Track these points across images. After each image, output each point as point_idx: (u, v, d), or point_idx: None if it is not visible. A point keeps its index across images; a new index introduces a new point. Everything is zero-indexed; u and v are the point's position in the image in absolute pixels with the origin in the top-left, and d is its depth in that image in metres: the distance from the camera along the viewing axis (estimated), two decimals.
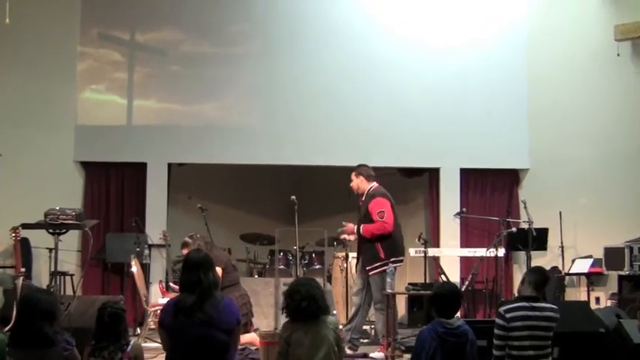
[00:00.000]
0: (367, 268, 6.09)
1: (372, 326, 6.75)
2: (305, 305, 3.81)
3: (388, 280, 5.84)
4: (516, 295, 5.49)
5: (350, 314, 6.33)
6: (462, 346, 3.88)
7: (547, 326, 4.02)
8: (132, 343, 3.87)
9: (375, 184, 6.27)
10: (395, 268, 5.95)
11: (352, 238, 6.36)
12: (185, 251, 6.16)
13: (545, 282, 4.24)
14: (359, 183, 6.25)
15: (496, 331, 4.02)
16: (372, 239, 6.05)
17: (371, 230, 6.03)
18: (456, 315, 4.06)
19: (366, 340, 6.68)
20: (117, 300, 4.18)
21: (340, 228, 6.37)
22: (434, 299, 4.05)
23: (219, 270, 5.93)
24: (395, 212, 6.16)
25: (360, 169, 6.30)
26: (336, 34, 8.47)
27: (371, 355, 6.11)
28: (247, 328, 5.90)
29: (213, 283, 3.67)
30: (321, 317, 3.87)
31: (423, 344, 3.88)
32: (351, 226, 6.24)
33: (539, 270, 4.29)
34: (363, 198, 6.22)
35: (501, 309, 4.08)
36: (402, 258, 6.20)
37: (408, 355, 5.45)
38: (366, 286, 6.18)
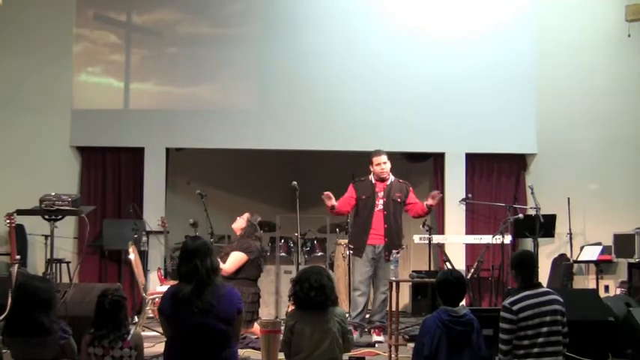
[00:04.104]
0: (394, 251, 6.19)
1: (370, 318, 6.62)
2: (313, 295, 3.80)
3: (392, 267, 6.00)
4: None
5: (361, 304, 6.23)
6: (467, 335, 3.82)
7: (556, 310, 3.92)
8: (132, 331, 3.82)
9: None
10: None
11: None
12: (234, 226, 6.18)
13: (535, 269, 4.18)
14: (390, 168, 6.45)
15: (503, 324, 3.91)
16: (399, 221, 6.37)
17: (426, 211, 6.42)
18: (461, 303, 3.98)
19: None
20: (116, 287, 4.10)
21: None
22: (439, 287, 3.99)
23: (243, 259, 5.83)
24: None
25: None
26: (337, 14, 8.29)
27: (374, 341, 6.11)
28: (249, 326, 5.80)
29: (212, 270, 3.57)
30: (329, 309, 3.84)
31: (428, 333, 3.82)
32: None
33: (523, 261, 4.12)
34: (388, 183, 6.37)
35: (506, 302, 3.97)
36: None
37: (411, 344, 5.34)
38: (373, 274, 6.29)
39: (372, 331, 6.28)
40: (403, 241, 8.53)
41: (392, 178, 6.39)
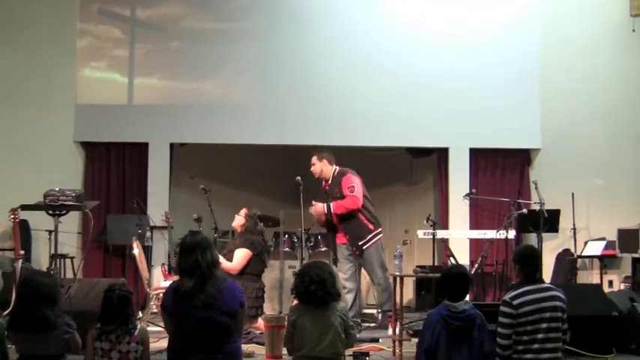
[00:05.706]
0: (360, 244, 6.22)
1: (379, 310, 6.62)
2: (313, 289, 3.80)
3: (396, 262, 5.89)
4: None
5: (349, 300, 6.20)
6: (466, 331, 3.81)
7: (557, 306, 3.90)
8: (139, 326, 3.82)
9: (337, 167, 6.40)
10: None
11: (322, 219, 6.34)
12: (234, 224, 6.20)
13: (538, 264, 4.19)
14: (322, 167, 6.37)
15: (503, 319, 3.90)
16: (350, 215, 6.18)
17: (343, 205, 6.16)
18: (466, 299, 3.97)
19: (372, 324, 6.57)
20: (122, 282, 4.12)
21: (311, 207, 6.34)
22: (442, 282, 4.01)
23: (248, 255, 5.87)
24: (364, 186, 6.34)
25: (322, 153, 6.42)
26: (340, 9, 8.27)
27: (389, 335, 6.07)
28: (253, 321, 5.81)
29: (212, 263, 3.57)
30: (330, 303, 3.84)
31: (430, 327, 3.85)
32: (321, 205, 6.28)
33: (525, 256, 4.10)
34: (330, 181, 6.35)
35: (507, 296, 3.96)
36: (381, 228, 6.46)
37: (415, 339, 5.34)
38: (357, 268, 6.32)
39: (388, 321, 6.21)
40: (407, 235, 8.63)
41: (335, 173, 6.33)
